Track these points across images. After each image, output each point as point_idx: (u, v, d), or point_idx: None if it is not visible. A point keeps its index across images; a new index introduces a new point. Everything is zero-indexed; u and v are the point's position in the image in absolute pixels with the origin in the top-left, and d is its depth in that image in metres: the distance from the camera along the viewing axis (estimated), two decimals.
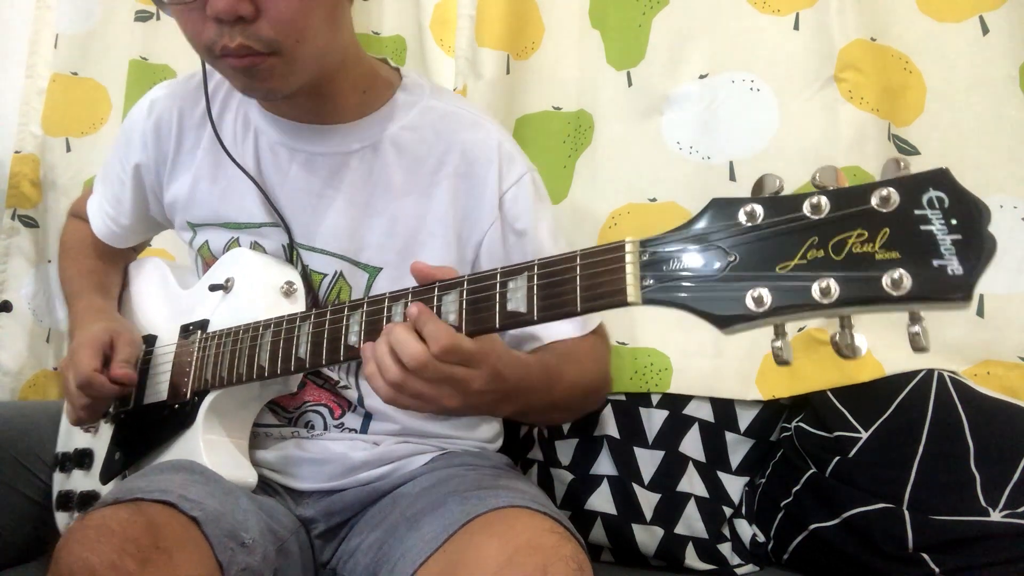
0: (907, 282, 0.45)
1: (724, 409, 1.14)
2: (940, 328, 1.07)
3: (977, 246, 0.44)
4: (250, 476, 0.87)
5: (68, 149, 1.56)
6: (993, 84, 1.08)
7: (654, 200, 1.24)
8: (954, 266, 0.44)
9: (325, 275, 0.92)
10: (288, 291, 0.88)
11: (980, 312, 1.06)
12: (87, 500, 0.96)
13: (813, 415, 1.09)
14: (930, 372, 1.02)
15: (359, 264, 0.91)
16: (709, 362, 1.15)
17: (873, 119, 1.11)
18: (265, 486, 0.92)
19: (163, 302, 1.04)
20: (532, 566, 0.64)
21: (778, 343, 0.52)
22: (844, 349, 0.50)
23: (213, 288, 0.92)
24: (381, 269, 0.90)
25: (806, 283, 0.48)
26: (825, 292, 0.47)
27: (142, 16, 1.56)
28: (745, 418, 1.13)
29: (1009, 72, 1.08)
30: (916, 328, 0.47)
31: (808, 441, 1.08)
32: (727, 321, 0.51)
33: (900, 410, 1.02)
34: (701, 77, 1.23)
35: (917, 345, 0.47)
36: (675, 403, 1.15)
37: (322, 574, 0.90)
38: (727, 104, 1.21)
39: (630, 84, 1.28)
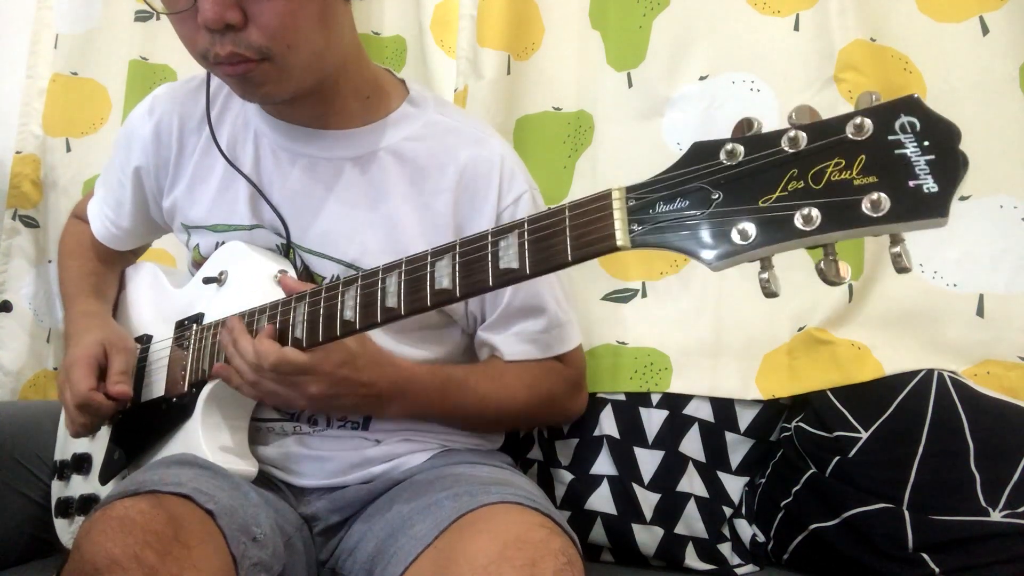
0: (885, 203, 0.46)
1: (724, 409, 1.14)
2: (940, 328, 1.07)
3: (950, 164, 0.45)
4: (251, 466, 0.87)
5: (68, 149, 1.57)
6: (993, 84, 1.08)
7: None
8: (929, 185, 0.46)
9: (324, 278, 0.92)
10: (281, 279, 0.88)
11: (980, 312, 1.06)
12: (87, 503, 0.96)
13: (813, 415, 1.08)
14: (930, 372, 1.02)
15: (356, 269, 0.91)
16: (709, 362, 1.15)
17: None
18: (267, 483, 0.93)
19: (158, 302, 1.04)
20: (521, 560, 0.64)
21: (765, 275, 0.52)
22: (831, 276, 0.51)
23: (207, 281, 0.93)
24: None
25: (789, 213, 0.49)
26: (807, 220, 0.48)
27: (142, 16, 1.56)
28: (745, 418, 1.13)
29: (1009, 72, 1.08)
30: (897, 249, 0.48)
31: (808, 441, 1.08)
32: (714, 257, 0.52)
33: (900, 410, 1.02)
34: (701, 79, 1.23)
35: (899, 265, 0.48)
36: (675, 403, 1.15)
37: (322, 572, 0.90)
38: (727, 104, 1.21)
39: (630, 85, 1.28)
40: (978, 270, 1.06)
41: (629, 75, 1.28)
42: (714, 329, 1.16)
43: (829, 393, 1.07)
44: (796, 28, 1.18)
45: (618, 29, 1.30)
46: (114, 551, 0.63)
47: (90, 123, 1.58)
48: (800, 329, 1.12)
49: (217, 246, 0.96)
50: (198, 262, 0.98)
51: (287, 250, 0.93)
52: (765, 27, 1.19)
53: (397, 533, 0.78)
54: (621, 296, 1.24)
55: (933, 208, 0.45)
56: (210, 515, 0.71)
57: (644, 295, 1.22)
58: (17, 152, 1.55)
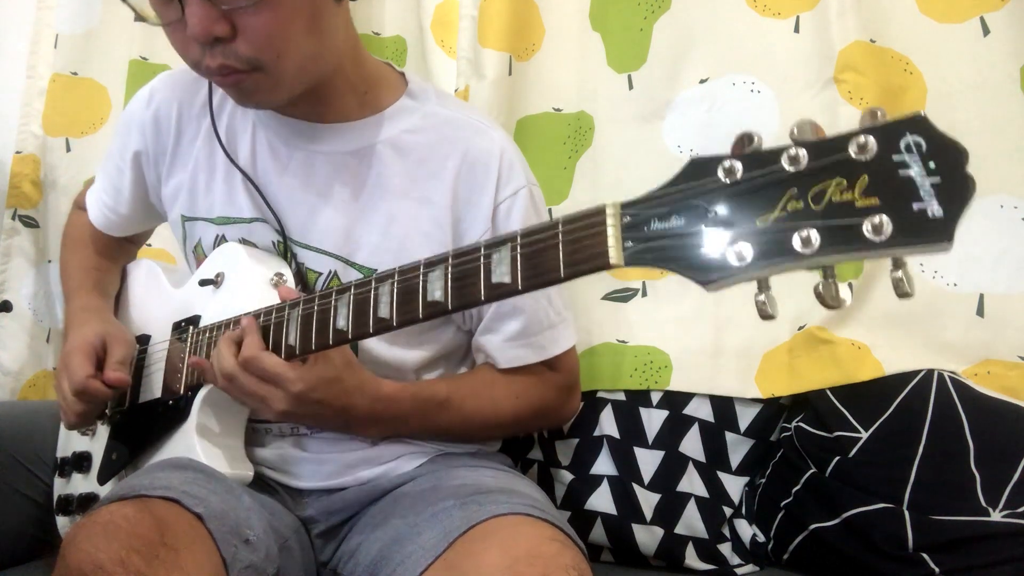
0: (888, 227, 0.44)
1: (724, 409, 1.14)
2: (940, 328, 1.07)
3: (956, 187, 0.44)
4: (247, 470, 0.87)
5: (68, 149, 1.57)
6: (994, 85, 1.08)
7: None
8: (934, 208, 0.44)
9: (320, 273, 0.92)
10: (278, 283, 0.88)
11: (980, 312, 1.06)
12: (86, 502, 0.96)
13: (813, 415, 1.09)
14: (930, 372, 1.02)
15: (354, 264, 0.91)
16: (709, 360, 1.16)
17: None
18: (264, 485, 0.92)
19: (156, 302, 1.04)
20: (533, 575, 0.64)
21: (761, 297, 0.51)
22: (829, 300, 0.49)
23: (203, 283, 0.93)
24: (376, 270, 0.90)
25: (787, 234, 0.47)
26: (806, 242, 0.46)
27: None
28: (745, 418, 1.14)
29: (1010, 73, 1.08)
30: (899, 274, 0.47)
31: (808, 441, 1.08)
32: (709, 277, 0.50)
33: (900, 410, 1.02)
34: (702, 81, 1.23)
35: (900, 290, 0.47)
36: (675, 403, 1.15)
37: (323, 573, 0.90)
38: (728, 106, 1.21)
39: (631, 87, 1.28)
40: (978, 270, 1.06)
41: (630, 77, 1.29)
42: (714, 327, 1.16)
43: (829, 393, 1.07)
44: (796, 30, 1.18)
45: (619, 31, 1.30)
46: (99, 557, 0.62)
47: (90, 123, 1.58)
48: (800, 328, 1.12)
49: (217, 240, 0.96)
50: (200, 259, 0.98)
51: (284, 247, 0.93)
52: (765, 29, 1.20)
53: (404, 540, 0.77)
54: (622, 295, 1.24)
55: (937, 233, 0.43)
56: (199, 518, 0.70)
57: (644, 294, 1.22)
58: (17, 152, 1.55)
